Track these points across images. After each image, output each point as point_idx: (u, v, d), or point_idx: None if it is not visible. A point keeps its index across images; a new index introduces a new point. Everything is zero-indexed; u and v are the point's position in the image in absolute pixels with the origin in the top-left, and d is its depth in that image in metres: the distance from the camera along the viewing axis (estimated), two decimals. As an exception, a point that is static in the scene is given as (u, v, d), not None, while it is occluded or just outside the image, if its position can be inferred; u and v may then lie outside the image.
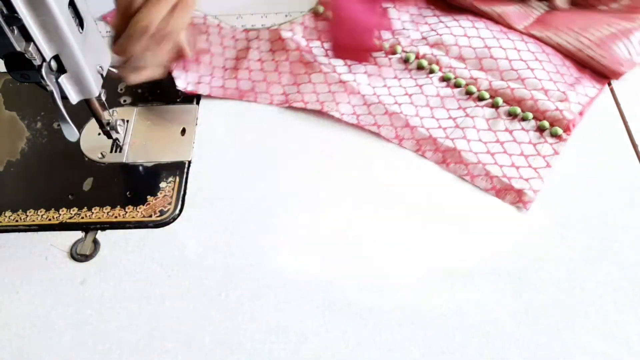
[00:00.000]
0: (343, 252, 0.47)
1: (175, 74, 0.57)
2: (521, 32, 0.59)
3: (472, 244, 0.47)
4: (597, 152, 0.52)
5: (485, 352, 0.41)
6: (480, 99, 0.55)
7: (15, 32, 0.36)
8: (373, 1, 0.59)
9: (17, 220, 0.49)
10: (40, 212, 0.50)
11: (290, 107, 0.56)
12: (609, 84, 0.56)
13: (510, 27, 0.60)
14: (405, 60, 0.58)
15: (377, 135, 0.53)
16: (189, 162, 0.53)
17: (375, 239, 0.47)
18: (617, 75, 0.56)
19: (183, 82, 0.57)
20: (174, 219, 0.49)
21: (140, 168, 0.53)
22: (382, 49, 0.59)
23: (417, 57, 0.58)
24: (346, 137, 0.54)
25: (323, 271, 0.46)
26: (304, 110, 0.55)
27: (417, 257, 0.46)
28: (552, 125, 0.52)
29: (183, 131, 0.55)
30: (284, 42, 0.60)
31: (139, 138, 0.54)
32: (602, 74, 0.56)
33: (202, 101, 0.57)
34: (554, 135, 0.52)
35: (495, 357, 0.41)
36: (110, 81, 0.55)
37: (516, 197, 0.49)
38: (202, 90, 0.57)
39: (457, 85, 0.56)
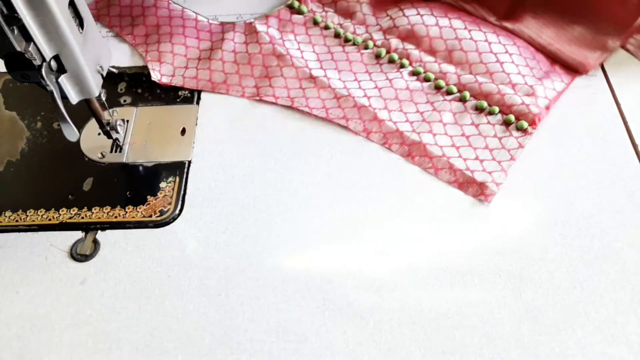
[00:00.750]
0: (343, 252, 0.47)
1: (150, 65, 0.58)
2: (494, 24, 0.60)
3: (472, 243, 0.47)
4: (597, 152, 0.52)
5: (485, 352, 0.41)
6: (449, 93, 0.55)
7: (15, 32, 0.36)
8: None
9: (17, 220, 0.49)
10: (40, 212, 0.50)
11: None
12: (609, 83, 0.56)
13: (483, 18, 0.60)
14: (377, 56, 0.59)
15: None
16: (189, 162, 0.53)
17: (376, 239, 0.47)
18: (586, 70, 0.56)
19: (157, 74, 0.58)
20: (174, 219, 0.49)
21: (140, 168, 0.53)
22: None
23: (388, 52, 0.58)
24: (347, 137, 0.53)
25: (323, 271, 0.46)
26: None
27: (417, 257, 0.46)
28: (517, 119, 0.53)
29: (183, 131, 0.55)
30: (258, 35, 0.60)
31: (139, 138, 0.54)
32: (572, 68, 0.57)
33: (202, 101, 0.57)
34: (520, 129, 0.52)
35: (495, 357, 0.41)
36: (110, 81, 0.55)
37: (478, 190, 0.49)
38: (176, 81, 0.58)
39: (426, 80, 0.57)
